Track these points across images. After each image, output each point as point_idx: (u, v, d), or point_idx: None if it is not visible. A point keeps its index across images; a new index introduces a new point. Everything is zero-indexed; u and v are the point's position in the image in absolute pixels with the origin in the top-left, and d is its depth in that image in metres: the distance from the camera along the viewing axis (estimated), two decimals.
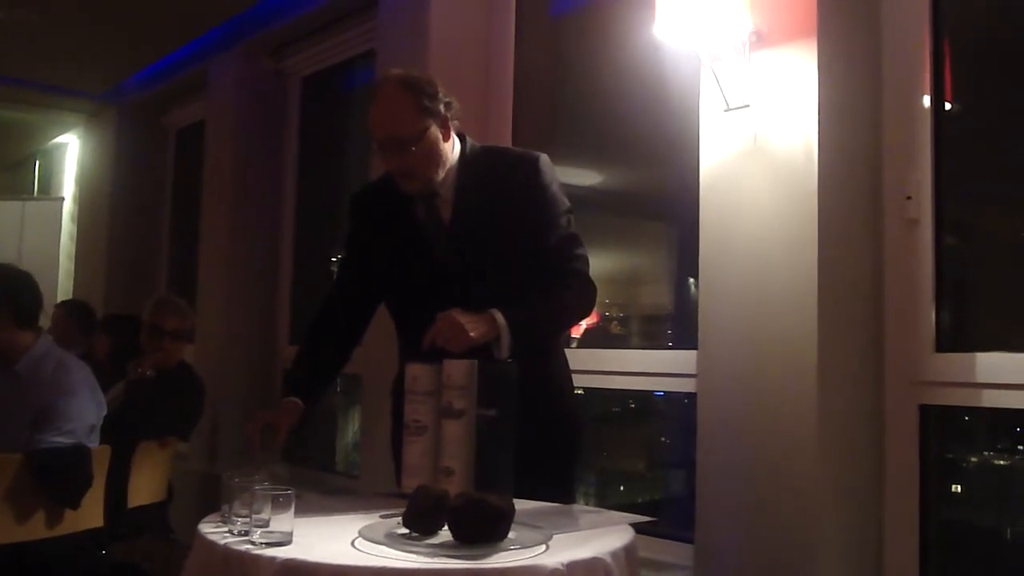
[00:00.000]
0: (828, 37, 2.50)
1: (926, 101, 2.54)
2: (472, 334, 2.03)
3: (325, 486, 4.34)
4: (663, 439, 3.49)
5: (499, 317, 2.09)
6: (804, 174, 2.47)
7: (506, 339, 2.09)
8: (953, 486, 2.61)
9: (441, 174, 2.24)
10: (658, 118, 3.21)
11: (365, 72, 4.78)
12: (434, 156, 2.21)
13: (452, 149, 2.28)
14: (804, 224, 2.46)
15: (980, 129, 2.64)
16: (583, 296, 2.33)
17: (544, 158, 2.33)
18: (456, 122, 2.28)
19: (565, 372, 2.43)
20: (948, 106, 2.58)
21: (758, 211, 2.57)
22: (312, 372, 2.38)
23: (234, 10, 5.02)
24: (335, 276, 2.52)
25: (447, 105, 2.23)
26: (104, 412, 3.23)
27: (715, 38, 2.57)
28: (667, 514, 3.17)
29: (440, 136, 2.22)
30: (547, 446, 2.22)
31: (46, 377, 3.08)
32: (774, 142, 2.54)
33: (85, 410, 3.09)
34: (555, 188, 2.33)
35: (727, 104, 2.62)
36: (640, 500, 3.53)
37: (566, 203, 2.34)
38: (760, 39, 2.58)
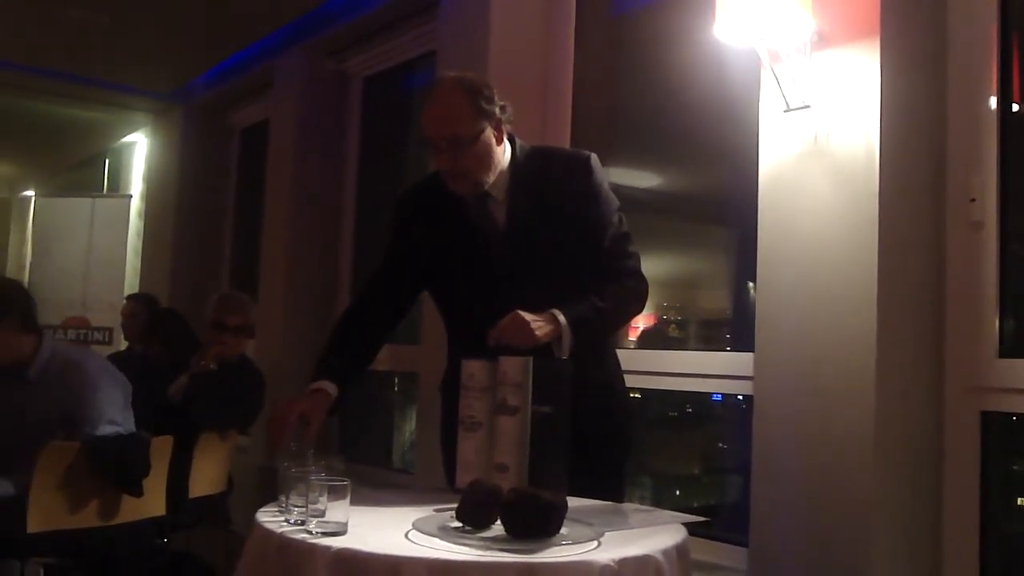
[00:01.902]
0: (891, 37, 2.47)
1: (992, 102, 2.50)
2: (538, 333, 2.05)
3: (381, 482, 4.38)
4: (720, 444, 3.47)
5: (561, 317, 2.11)
6: (865, 176, 2.44)
7: (567, 338, 2.11)
8: (1015, 495, 2.56)
9: (492, 177, 2.25)
10: (719, 120, 3.19)
11: (425, 73, 4.81)
12: (487, 159, 2.22)
13: (504, 153, 2.29)
14: (864, 226, 2.43)
15: None
16: (638, 294, 2.35)
17: (594, 157, 2.34)
18: (507, 126, 2.28)
19: (617, 371, 2.44)
20: (1015, 107, 2.53)
21: (817, 213, 2.54)
22: (349, 358, 2.36)
23: (298, 12, 5.09)
24: (375, 270, 2.50)
25: (502, 109, 2.24)
26: (129, 389, 3.24)
27: (776, 38, 2.55)
28: (724, 518, 3.14)
29: (494, 139, 2.23)
30: (598, 443, 2.22)
31: (60, 379, 3.07)
32: (835, 143, 2.52)
33: (113, 396, 3.12)
34: (606, 187, 2.34)
35: (787, 105, 2.60)
36: (696, 504, 3.51)
37: (616, 201, 2.35)
38: (822, 39, 2.55)
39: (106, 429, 3.02)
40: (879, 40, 2.45)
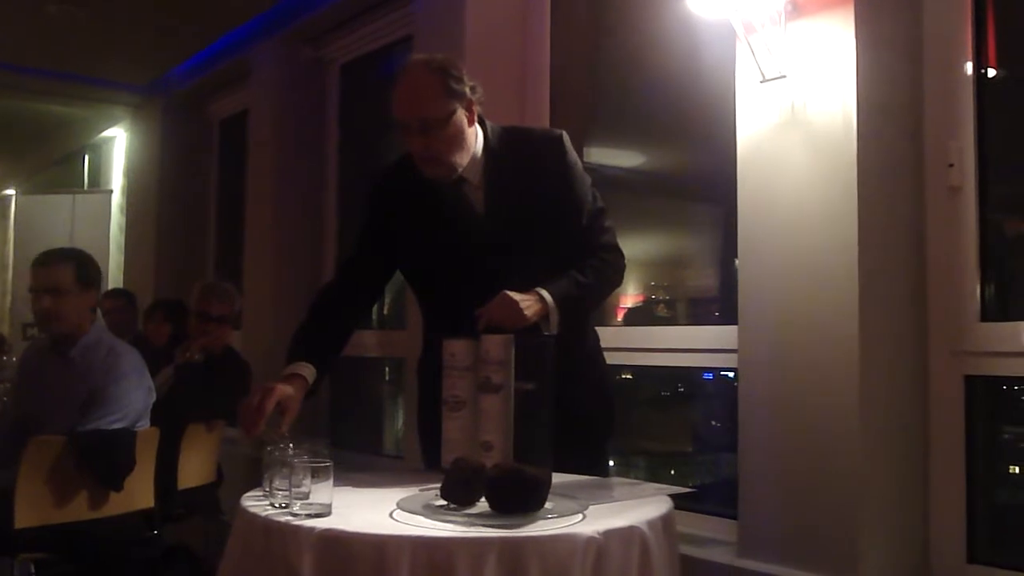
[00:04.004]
0: (865, 4, 2.47)
1: (968, 67, 2.50)
2: (528, 312, 2.05)
3: (371, 468, 4.37)
4: (713, 422, 3.47)
5: (547, 296, 2.10)
6: (843, 144, 2.44)
7: (554, 316, 2.11)
8: (1000, 459, 2.57)
9: (465, 160, 2.22)
10: (698, 94, 3.19)
11: (403, 58, 4.76)
12: (459, 141, 2.19)
13: (476, 135, 2.25)
14: (843, 194, 2.43)
15: None
16: (616, 267, 2.35)
17: (566, 135, 2.32)
18: (478, 107, 2.25)
19: (598, 346, 2.44)
20: (992, 72, 2.53)
21: (797, 182, 2.54)
22: (324, 341, 2.29)
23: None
24: (349, 254, 2.47)
25: (472, 89, 2.20)
26: (154, 397, 3.28)
27: (749, 9, 2.54)
28: (719, 494, 3.15)
29: (465, 120, 2.19)
30: (582, 419, 2.22)
31: (98, 363, 3.14)
32: (812, 112, 2.52)
33: (134, 395, 3.15)
34: (579, 164, 2.33)
35: (763, 75, 2.59)
36: (691, 482, 3.52)
37: (588, 177, 2.35)
38: (796, 8, 2.55)
39: (114, 424, 3.03)
40: (853, 7, 2.45)
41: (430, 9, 4.05)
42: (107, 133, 7.80)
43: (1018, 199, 2.58)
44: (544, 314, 2.10)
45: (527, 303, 2.06)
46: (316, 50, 5.32)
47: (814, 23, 2.52)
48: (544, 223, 2.24)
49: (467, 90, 2.19)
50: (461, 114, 2.18)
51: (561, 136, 2.31)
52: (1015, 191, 2.57)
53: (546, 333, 2.09)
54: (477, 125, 2.26)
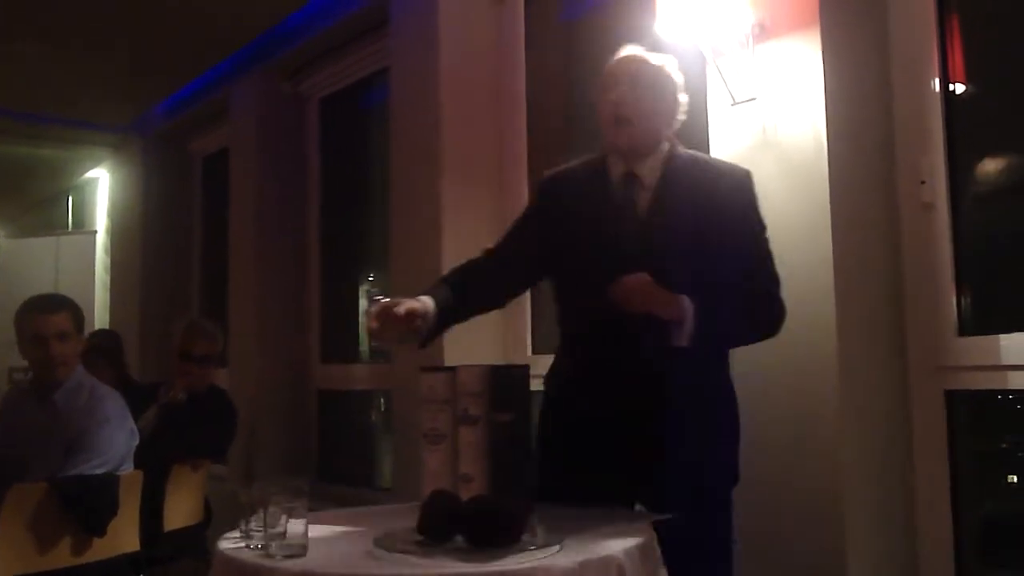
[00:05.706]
0: (832, 24, 2.50)
1: (935, 84, 2.52)
2: (657, 299, 2.03)
3: (366, 503, 4.34)
4: None
5: (687, 302, 2.05)
6: (815, 163, 2.46)
7: (689, 326, 2.05)
8: (985, 471, 2.57)
9: (647, 140, 2.22)
10: None
11: (381, 90, 4.80)
12: (655, 116, 2.21)
13: (664, 143, 2.26)
14: (817, 213, 2.44)
15: (992, 109, 2.60)
16: (771, 314, 2.22)
17: (751, 175, 2.27)
18: (676, 127, 2.28)
19: (731, 391, 2.30)
20: (960, 88, 2.55)
21: (770, 203, 2.52)
22: (454, 293, 2.26)
23: (249, 36, 5.08)
24: (499, 241, 2.42)
25: (681, 104, 2.26)
26: (136, 440, 3.26)
27: (717, 32, 2.57)
28: None
29: (664, 114, 2.23)
30: (703, 467, 2.15)
31: (80, 406, 3.12)
32: (783, 134, 2.53)
33: (116, 439, 3.12)
34: (758, 207, 2.25)
35: (733, 98, 2.61)
36: None
37: (765, 225, 2.26)
38: (763, 31, 2.57)
39: (97, 469, 3.01)
40: (819, 27, 2.47)
41: (405, 41, 4.07)
42: (90, 174, 7.79)
43: (991, 212, 2.59)
44: (679, 319, 2.05)
45: (662, 293, 2.03)
46: (294, 85, 5.34)
47: (781, 44, 2.54)
48: (703, 245, 2.17)
49: (679, 94, 2.25)
50: (665, 107, 2.23)
51: (748, 173, 2.27)
52: (988, 205, 2.58)
53: (675, 341, 2.05)
54: (667, 142, 2.27)
